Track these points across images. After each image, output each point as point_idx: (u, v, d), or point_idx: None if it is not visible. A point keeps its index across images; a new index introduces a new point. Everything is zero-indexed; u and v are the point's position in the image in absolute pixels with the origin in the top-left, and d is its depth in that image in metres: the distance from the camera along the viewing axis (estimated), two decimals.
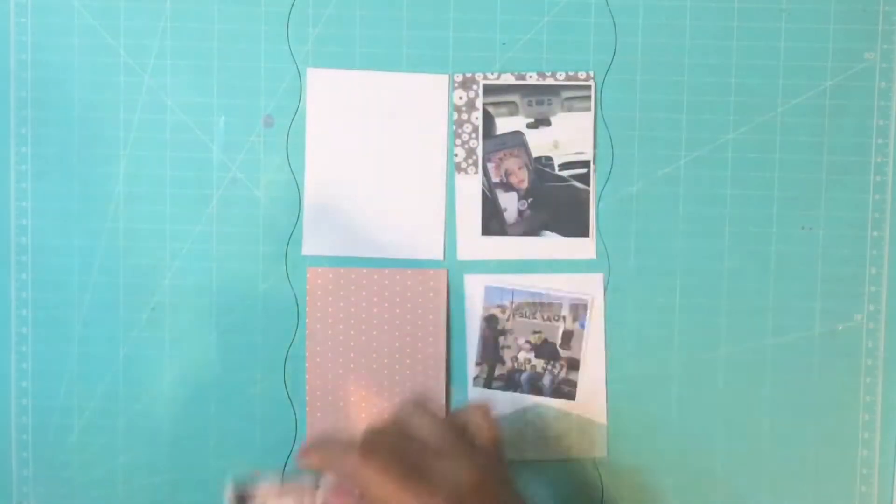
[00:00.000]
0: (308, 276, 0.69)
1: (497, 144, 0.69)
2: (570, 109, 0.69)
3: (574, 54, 0.68)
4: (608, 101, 0.69)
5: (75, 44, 0.69)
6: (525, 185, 0.69)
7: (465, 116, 0.68)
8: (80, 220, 0.70)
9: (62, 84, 0.69)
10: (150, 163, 0.69)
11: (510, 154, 0.69)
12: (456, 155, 0.69)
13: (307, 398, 0.69)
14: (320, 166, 0.69)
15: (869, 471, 0.69)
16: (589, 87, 0.68)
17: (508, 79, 0.69)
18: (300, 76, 0.69)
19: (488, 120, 0.69)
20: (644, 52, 0.68)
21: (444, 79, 0.69)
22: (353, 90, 0.69)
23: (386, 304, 0.69)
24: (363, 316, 0.69)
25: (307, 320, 0.69)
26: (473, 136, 0.68)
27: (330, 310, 0.69)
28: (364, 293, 0.69)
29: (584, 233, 0.69)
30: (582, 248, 0.69)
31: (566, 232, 0.68)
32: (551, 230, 0.69)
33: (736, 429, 0.70)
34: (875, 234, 0.69)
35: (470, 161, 0.69)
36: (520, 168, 0.69)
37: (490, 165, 0.69)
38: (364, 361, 0.69)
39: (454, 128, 0.69)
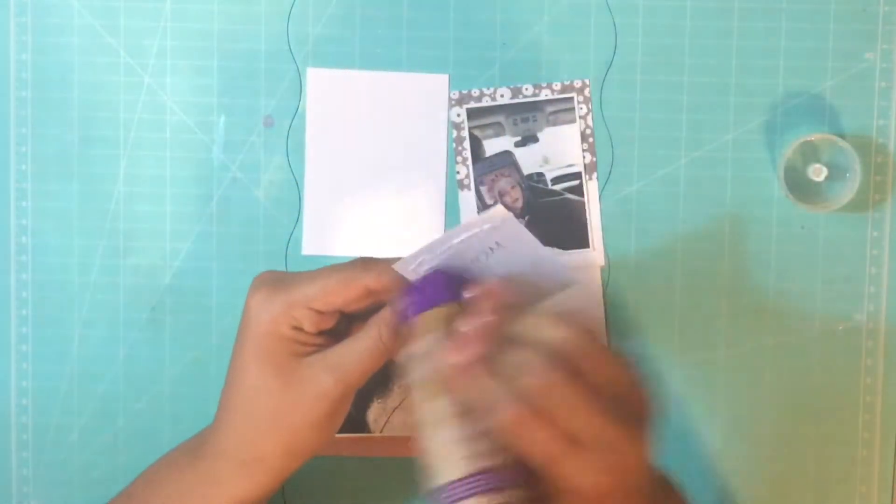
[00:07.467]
0: None
1: (487, 167, 0.69)
2: (555, 123, 0.69)
3: (574, 54, 0.68)
4: (608, 101, 0.69)
5: (75, 44, 0.69)
6: (520, 203, 0.69)
7: (463, 133, 0.69)
8: (80, 220, 0.70)
9: (62, 84, 0.69)
10: (150, 163, 0.69)
11: (501, 175, 0.69)
12: (458, 172, 0.69)
13: None
14: (320, 166, 0.69)
15: (869, 471, 0.69)
16: (571, 98, 0.68)
17: (505, 93, 0.68)
18: (300, 76, 0.69)
19: (475, 143, 0.69)
20: (644, 52, 0.68)
21: (444, 79, 0.69)
22: (353, 90, 0.69)
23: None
24: None
25: None
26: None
27: None
28: None
29: (583, 244, 0.69)
30: (587, 258, 0.68)
31: (566, 245, 0.68)
32: (552, 245, 0.69)
33: (736, 429, 0.70)
34: (875, 234, 0.69)
35: (469, 179, 0.69)
36: (512, 187, 0.69)
37: (483, 188, 0.69)
38: None
39: (454, 145, 0.69)
